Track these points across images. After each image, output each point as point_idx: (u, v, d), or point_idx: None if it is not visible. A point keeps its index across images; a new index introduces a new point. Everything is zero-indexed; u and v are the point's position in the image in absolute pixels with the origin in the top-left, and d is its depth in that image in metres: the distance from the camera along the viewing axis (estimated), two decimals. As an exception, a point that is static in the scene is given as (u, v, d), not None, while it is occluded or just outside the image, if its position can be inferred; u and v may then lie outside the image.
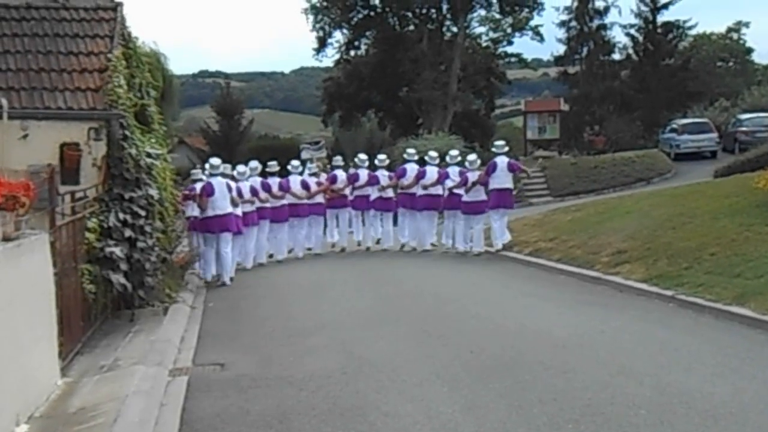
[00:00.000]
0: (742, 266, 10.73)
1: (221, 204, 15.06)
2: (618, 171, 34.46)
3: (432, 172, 18.05)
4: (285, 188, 18.15)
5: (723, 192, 15.91)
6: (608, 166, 35.02)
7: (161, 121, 14.82)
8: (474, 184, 16.84)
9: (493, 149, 17.71)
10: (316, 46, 52.41)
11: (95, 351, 9.30)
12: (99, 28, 12.30)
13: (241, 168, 17.52)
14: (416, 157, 19.10)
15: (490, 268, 15.37)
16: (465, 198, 17.01)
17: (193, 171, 16.58)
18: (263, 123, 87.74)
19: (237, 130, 59.65)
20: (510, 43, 53.64)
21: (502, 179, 16.75)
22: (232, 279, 15.15)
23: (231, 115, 59.96)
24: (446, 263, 16.43)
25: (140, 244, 11.06)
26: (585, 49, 51.94)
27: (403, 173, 18.38)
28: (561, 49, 52.95)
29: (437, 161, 18.39)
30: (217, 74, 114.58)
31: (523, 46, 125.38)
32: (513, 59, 55.01)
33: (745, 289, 9.81)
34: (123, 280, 10.49)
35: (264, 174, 18.26)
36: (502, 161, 16.88)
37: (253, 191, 17.06)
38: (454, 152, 18.70)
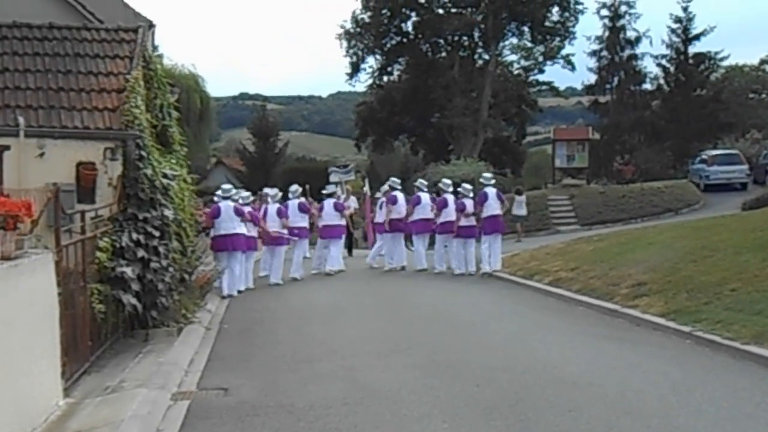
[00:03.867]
0: (762, 303, 10.42)
1: (227, 225, 16.27)
2: (646, 201, 34.22)
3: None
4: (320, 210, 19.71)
5: (748, 225, 15.62)
6: (636, 195, 34.81)
7: (183, 142, 14.90)
8: (473, 213, 18.34)
9: (482, 180, 19.41)
10: (349, 71, 52.92)
11: (104, 371, 9.26)
12: (119, 49, 12.37)
13: (269, 191, 19.32)
14: (400, 186, 20.56)
15: (508, 297, 15.18)
16: (460, 223, 18.40)
17: (218, 193, 17.24)
18: (301, 145, 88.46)
19: (272, 152, 60.43)
20: (541, 71, 53.77)
21: (493, 207, 18.38)
22: (240, 291, 16.45)
23: (267, 137, 60.90)
24: (465, 290, 16.28)
25: (153, 265, 11.05)
26: (616, 79, 51.78)
27: (394, 201, 19.72)
28: (592, 78, 52.88)
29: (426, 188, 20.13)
30: (257, 97, 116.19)
31: (555, 74, 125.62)
32: (544, 87, 55.01)
33: (764, 328, 9.49)
34: (134, 301, 10.47)
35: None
36: (491, 191, 18.59)
37: (280, 213, 18.34)
38: (447, 181, 20.03)
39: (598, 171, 43.66)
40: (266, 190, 19.21)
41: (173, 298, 11.88)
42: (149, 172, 11.31)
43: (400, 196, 19.99)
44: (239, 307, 14.82)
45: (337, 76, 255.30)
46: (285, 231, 18.24)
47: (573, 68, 52.38)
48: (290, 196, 19.30)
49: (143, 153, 11.29)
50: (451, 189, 19.16)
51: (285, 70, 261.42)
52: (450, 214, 18.66)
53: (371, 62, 53.19)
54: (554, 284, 15.41)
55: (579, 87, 56.58)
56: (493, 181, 19.17)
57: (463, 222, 18.33)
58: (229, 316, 13.74)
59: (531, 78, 54.45)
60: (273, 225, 18.08)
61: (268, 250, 18.86)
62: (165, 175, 12.01)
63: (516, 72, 54.49)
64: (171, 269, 11.79)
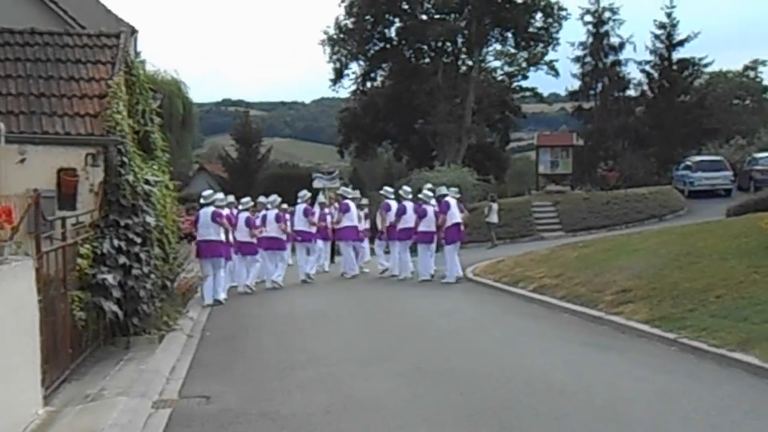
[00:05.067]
0: (748, 309, 10.38)
1: (205, 231, 16.35)
2: (630, 207, 34.29)
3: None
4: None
5: (733, 232, 15.63)
6: (621, 201, 34.88)
7: (165, 148, 14.79)
8: (442, 224, 18.38)
9: (440, 192, 19.43)
10: (333, 77, 52.88)
11: (84, 378, 9.17)
12: (101, 55, 12.27)
13: (261, 199, 20.00)
14: (351, 195, 21.16)
15: (493, 304, 15.15)
16: (420, 228, 18.76)
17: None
18: (284, 152, 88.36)
19: (255, 158, 60.35)
20: (525, 77, 53.91)
21: (455, 216, 18.54)
22: (226, 299, 16.38)
23: (249, 143, 60.80)
24: (450, 297, 16.24)
25: (135, 272, 10.94)
26: (600, 85, 52.00)
27: (347, 209, 20.25)
28: (576, 84, 53.10)
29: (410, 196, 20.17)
30: (240, 103, 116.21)
31: (539, 80, 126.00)
32: (528, 93, 55.16)
33: (750, 334, 9.44)
34: (115, 308, 10.37)
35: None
36: (452, 200, 18.82)
37: (279, 218, 18.89)
38: (407, 188, 20.64)
39: (582, 177, 43.78)
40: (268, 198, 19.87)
41: (155, 305, 11.79)
42: (131, 178, 11.22)
43: (353, 205, 20.55)
44: (222, 314, 14.75)
45: (320, 82, 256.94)
46: (284, 236, 18.81)
47: (557, 74, 52.69)
48: (299, 200, 20.29)
49: (125, 159, 11.20)
50: (410, 196, 19.67)
51: (268, 77, 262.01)
52: (409, 220, 19.07)
53: (355, 68, 53.35)
54: (539, 291, 15.36)
55: (563, 93, 56.96)
56: (453, 190, 19.72)
57: (422, 227, 18.66)
58: (212, 324, 13.65)
59: (514, 84, 54.64)
60: (272, 230, 18.57)
61: (267, 254, 19.06)
62: (147, 182, 11.91)
63: (500, 78, 54.59)
64: (153, 276, 11.69)
